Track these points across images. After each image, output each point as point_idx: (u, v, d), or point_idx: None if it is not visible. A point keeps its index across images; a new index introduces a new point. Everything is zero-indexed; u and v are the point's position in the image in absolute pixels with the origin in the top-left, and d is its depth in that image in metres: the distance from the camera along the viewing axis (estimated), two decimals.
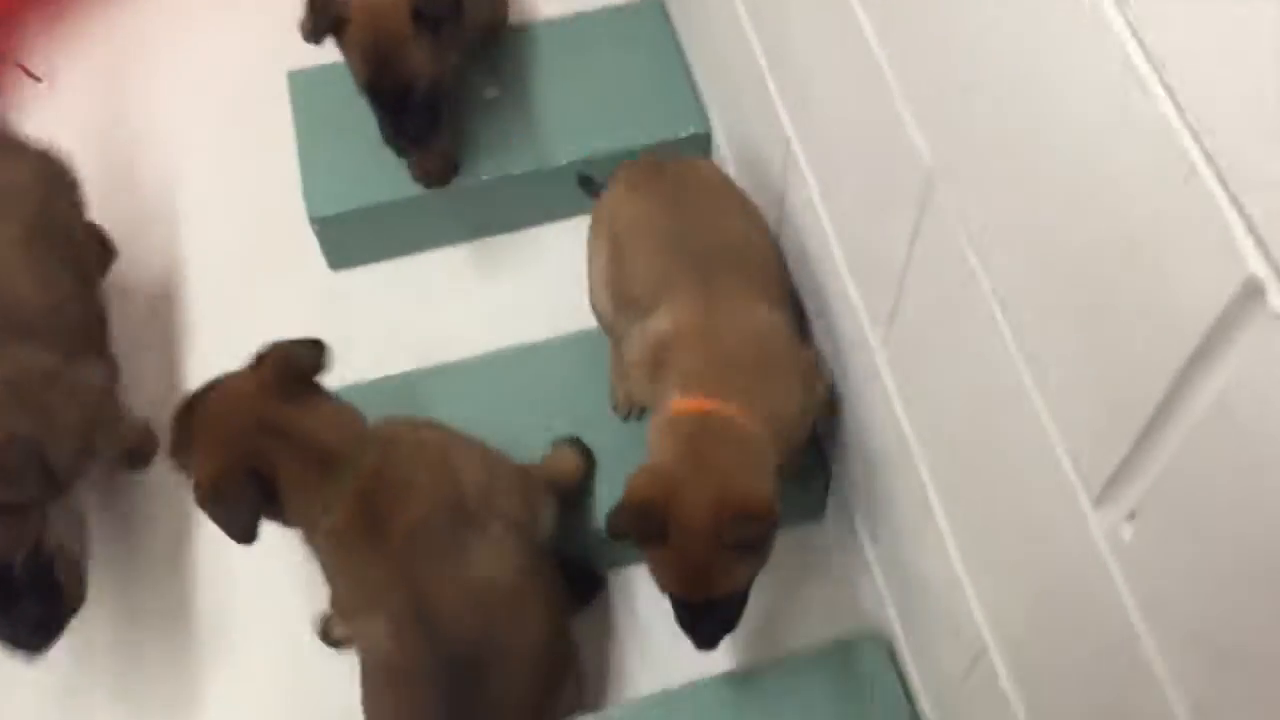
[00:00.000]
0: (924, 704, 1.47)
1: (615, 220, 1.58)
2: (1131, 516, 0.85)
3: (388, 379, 1.77)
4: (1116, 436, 0.84)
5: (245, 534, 1.33)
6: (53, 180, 1.67)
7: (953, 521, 1.23)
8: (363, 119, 1.92)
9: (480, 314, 1.94)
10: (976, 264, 1.02)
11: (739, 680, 1.53)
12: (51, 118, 2.16)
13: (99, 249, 1.87)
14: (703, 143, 1.97)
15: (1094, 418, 0.88)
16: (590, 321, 1.79)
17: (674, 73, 2.01)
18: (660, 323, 1.42)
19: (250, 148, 2.12)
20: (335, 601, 1.47)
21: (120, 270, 2.00)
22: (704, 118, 1.96)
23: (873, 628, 1.59)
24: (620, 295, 1.53)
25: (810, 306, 1.59)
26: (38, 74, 2.22)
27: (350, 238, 1.96)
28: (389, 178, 1.90)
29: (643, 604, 1.69)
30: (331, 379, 1.65)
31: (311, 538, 1.41)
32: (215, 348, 1.93)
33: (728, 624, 1.35)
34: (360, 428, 1.42)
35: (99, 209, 1.89)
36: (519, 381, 1.77)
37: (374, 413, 1.58)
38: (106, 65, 2.25)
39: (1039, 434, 0.96)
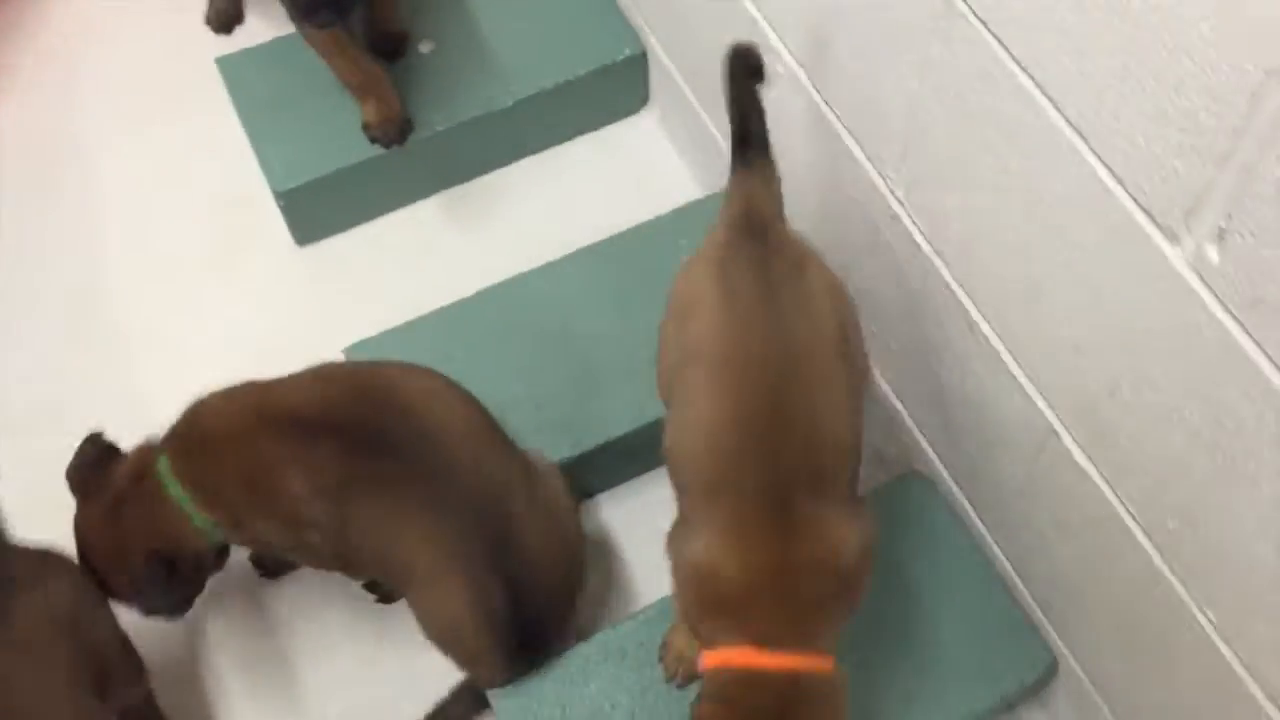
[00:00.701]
0: (981, 526, 1.55)
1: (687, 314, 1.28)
2: (1220, 235, 0.94)
3: (386, 333, 1.78)
4: (1193, 162, 0.93)
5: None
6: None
7: (1002, 329, 1.31)
8: (302, 93, 1.93)
9: (458, 263, 1.95)
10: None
11: None
12: None
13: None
14: (639, 64, 2.02)
15: (1164, 151, 0.96)
16: (571, 245, 1.84)
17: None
18: (708, 548, 1.17)
19: (183, 141, 2.09)
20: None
21: (83, 275, 1.97)
22: (636, 38, 2.02)
23: (910, 469, 1.67)
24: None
25: None
26: None
27: (315, 209, 1.95)
28: (344, 144, 1.90)
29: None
30: (326, 345, 1.70)
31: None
32: (188, 344, 1.92)
33: None
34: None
35: (42, 222, 1.87)
36: (514, 314, 1.79)
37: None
38: (25, 79, 2.19)
39: (1099, 189, 1.04)
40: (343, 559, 1.49)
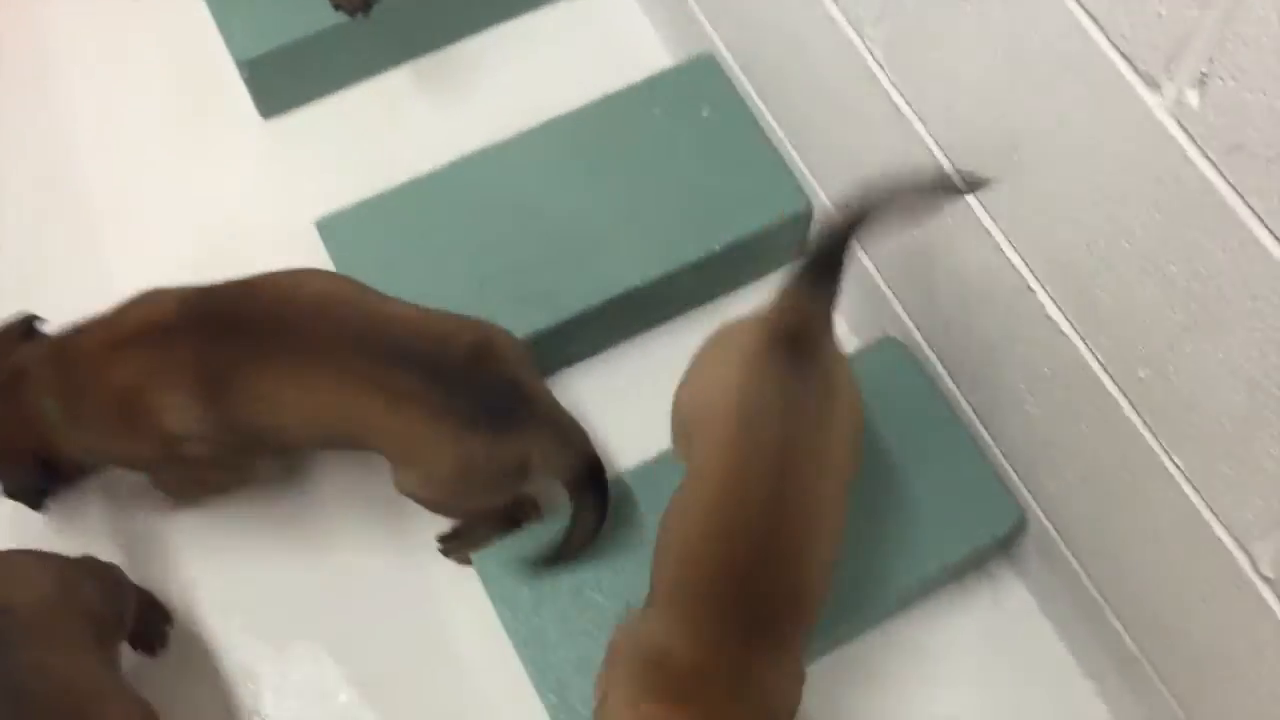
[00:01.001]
0: (954, 385, 1.58)
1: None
2: (1201, 81, 0.94)
3: (357, 206, 1.76)
4: (1175, 4, 0.93)
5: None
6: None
7: (988, 202, 1.31)
8: None
9: (427, 135, 1.92)
10: None
11: None
12: None
13: None
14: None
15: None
16: (543, 115, 1.82)
17: None
18: (666, 632, 1.20)
19: (143, 12, 2.03)
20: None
21: (45, 151, 1.93)
22: None
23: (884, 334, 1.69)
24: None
25: None
26: None
27: (280, 79, 1.91)
28: (308, 11, 1.85)
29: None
30: (295, 219, 1.68)
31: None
32: (155, 221, 1.89)
33: None
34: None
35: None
36: (486, 187, 1.78)
37: (354, 236, 1.65)
38: None
39: (1081, 39, 1.04)
40: (243, 453, 1.52)
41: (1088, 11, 1.03)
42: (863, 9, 1.38)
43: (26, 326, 1.52)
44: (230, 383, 1.39)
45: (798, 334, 1.23)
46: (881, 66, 1.40)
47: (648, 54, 1.99)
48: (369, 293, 1.45)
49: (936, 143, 1.35)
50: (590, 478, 1.44)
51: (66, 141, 1.95)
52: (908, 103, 1.38)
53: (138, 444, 1.45)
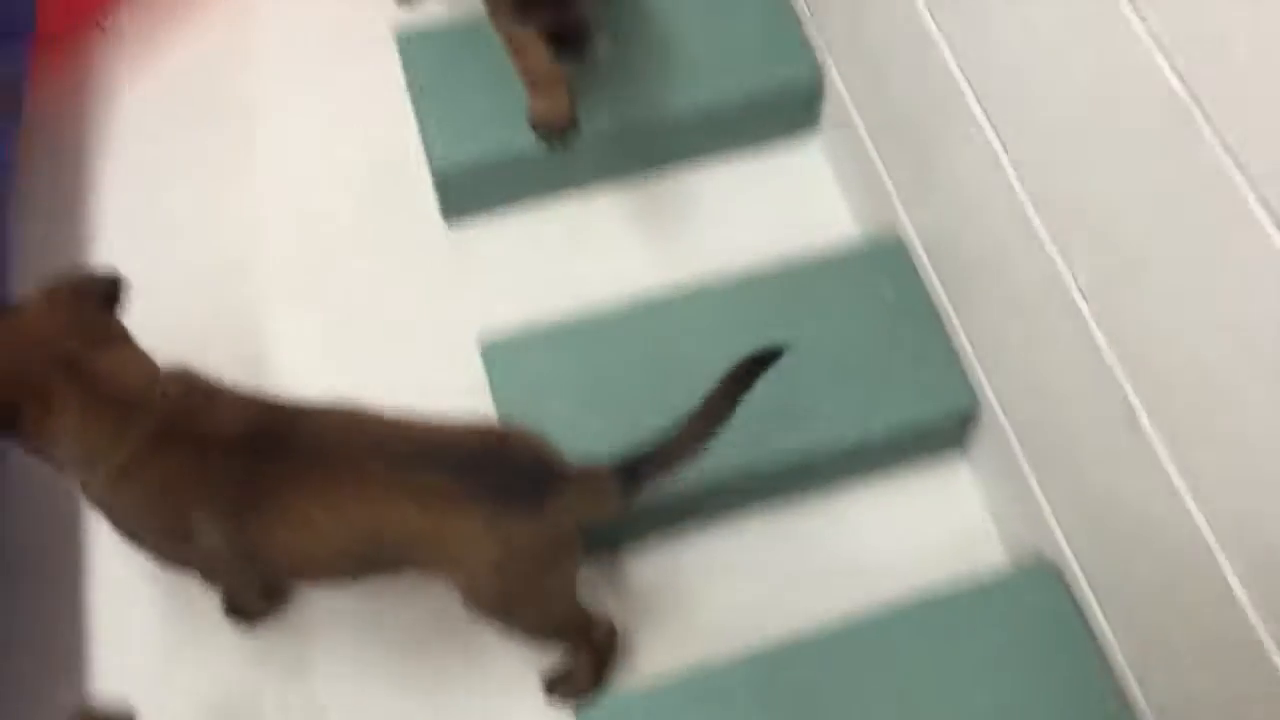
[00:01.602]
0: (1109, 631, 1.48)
1: None
2: None
3: (526, 331, 1.76)
4: None
5: None
6: None
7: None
8: (473, 75, 1.91)
9: (602, 265, 1.93)
10: None
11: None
12: (155, 80, 2.14)
13: None
14: (814, 87, 1.96)
15: None
16: (719, 263, 1.81)
17: (784, 14, 2.00)
18: None
19: (352, 106, 2.09)
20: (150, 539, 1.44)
21: (230, 224, 1.99)
22: (815, 62, 1.96)
23: (1038, 557, 1.61)
24: None
25: None
26: (117, 27, 2.18)
27: (468, 190, 1.94)
28: (506, 131, 1.88)
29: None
30: (458, 329, 1.71)
31: (90, 482, 1.36)
32: (324, 308, 1.93)
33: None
34: (155, 372, 1.38)
35: (200, 165, 1.90)
36: (649, 339, 1.75)
37: (515, 361, 1.68)
38: (208, 25, 2.20)
39: None
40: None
41: None
42: (1071, 236, 1.33)
43: (111, 289, 1.38)
44: (261, 506, 1.35)
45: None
46: (1084, 297, 1.34)
47: (833, 217, 1.97)
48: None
49: (1134, 389, 1.28)
50: (633, 476, 1.39)
51: (251, 211, 2.01)
52: (1111, 344, 1.31)
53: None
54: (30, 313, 1.34)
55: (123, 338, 1.38)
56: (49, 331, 1.32)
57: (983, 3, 1.41)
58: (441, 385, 1.74)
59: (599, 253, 1.95)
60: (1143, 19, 1.11)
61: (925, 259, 1.75)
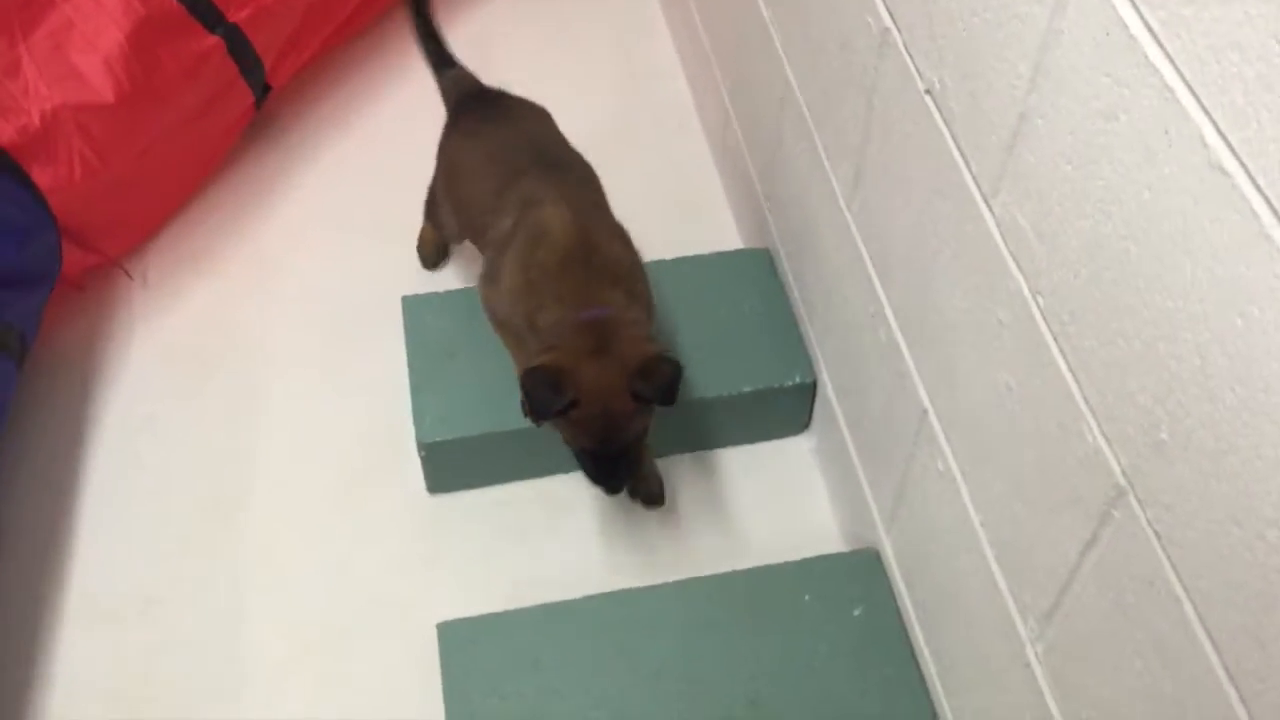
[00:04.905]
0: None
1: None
2: None
3: (483, 618, 1.73)
4: None
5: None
6: None
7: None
8: (472, 347, 1.95)
9: (576, 547, 1.92)
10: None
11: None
12: (157, 319, 2.21)
13: None
14: (808, 391, 1.98)
15: None
16: (699, 555, 1.79)
17: (782, 319, 2.04)
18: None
19: (351, 367, 2.14)
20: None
21: (213, 473, 2.01)
22: (810, 367, 1.98)
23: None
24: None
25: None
26: (143, 275, 2.26)
27: (453, 463, 1.95)
28: (496, 408, 1.90)
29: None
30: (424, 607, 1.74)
31: None
32: (296, 567, 1.92)
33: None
34: None
35: (195, 409, 1.97)
36: (614, 632, 1.71)
37: (470, 645, 1.65)
38: (219, 271, 2.29)
39: None
40: None
41: None
42: (1029, 597, 1.29)
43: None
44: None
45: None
46: (1040, 662, 1.29)
47: (817, 520, 1.96)
48: None
49: None
50: None
51: (238, 463, 2.03)
52: (1060, 714, 1.26)
53: None
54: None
55: None
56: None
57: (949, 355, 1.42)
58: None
59: (571, 533, 1.94)
60: (1080, 387, 1.11)
61: (900, 580, 1.71)
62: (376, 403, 2.06)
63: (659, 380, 1.59)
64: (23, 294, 1.92)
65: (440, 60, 2.07)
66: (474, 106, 1.97)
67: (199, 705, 1.77)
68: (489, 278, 1.79)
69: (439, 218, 2.08)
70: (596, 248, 1.70)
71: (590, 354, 1.60)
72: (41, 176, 1.95)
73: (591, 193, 1.85)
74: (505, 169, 1.83)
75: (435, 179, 2.05)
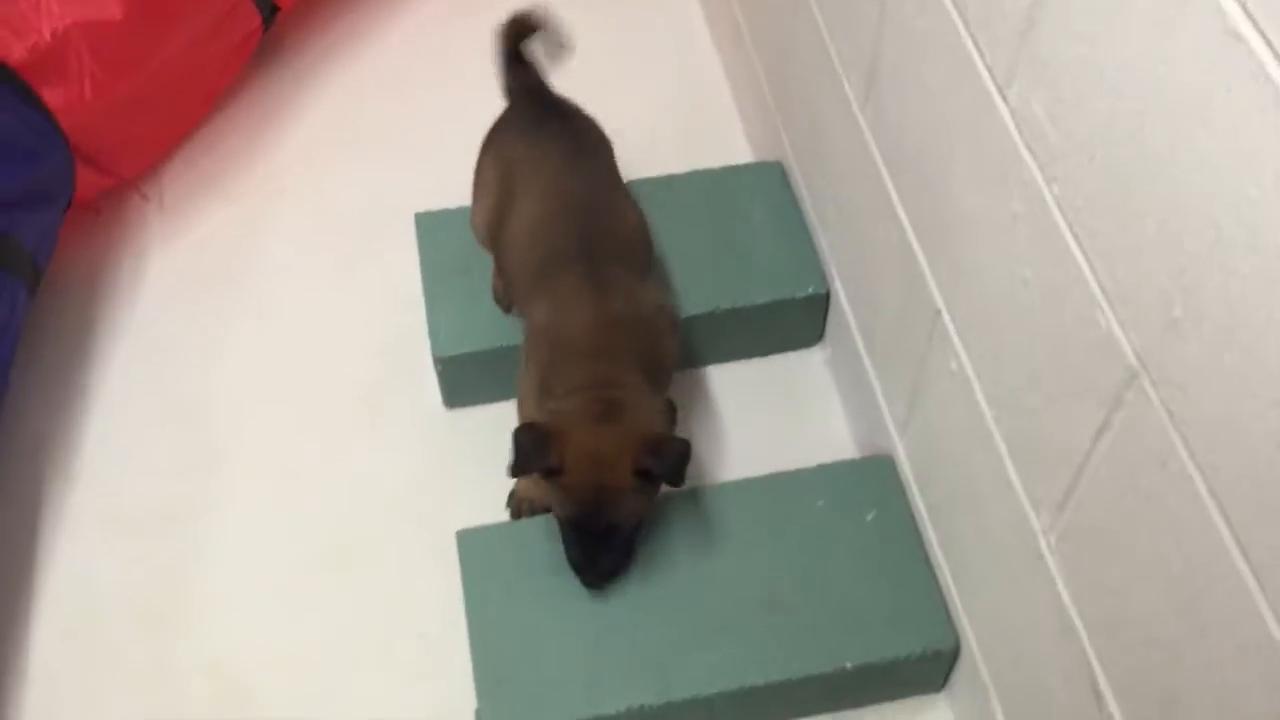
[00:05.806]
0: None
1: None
2: None
3: (504, 525, 1.76)
4: None
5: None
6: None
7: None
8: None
9: None
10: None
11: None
12: (172, 241, 2.21)
13: None
14: (822, 303, 1.98)
15: None
16: (716, 466, 1.79)
17: (794, 231, 2.03)
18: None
19: (364, 282, 2.15)
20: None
21: (228, 392, 2.03)
22: (823, 279, 1.97)
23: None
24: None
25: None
26: (158, 198, 2.27)
27: (469, 378, 1.96)
28: (510, 323, 1.91)
29: None
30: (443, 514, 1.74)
31: None
32: (313, 477, 1.94)
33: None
34: None
35: (204, 332, 1.98)
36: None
37: (488, 551, 1.62)
38: (233, 194, 2.30)
39: None
40: None
41: None
42: (1041, 490, 1.30)
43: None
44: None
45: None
46: (1052, 552, 1.30)
47: (832, 428, 1.97)
48: None
49: (1098, 658, 1.23)
50: None
51: (259, 391, 2.05)
52: (1072, 601, 1.27)
53: None
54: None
55: None
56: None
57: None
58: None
59: None
60: (1095, 273, 1.11)
61: (914, 486, 1.72)
62: (392, 320, 2.07)
63: (669, 457, 1.53)
64: (34, 213, 1.93)
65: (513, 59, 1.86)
66: (536, 119, 1.81)
67: (219, 614, 1.80)
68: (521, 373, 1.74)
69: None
70: (619, 350, 1.63)
71: (594, 421, 1.54)
72: (52, 96, 1.94)
73: (631, 273, 1.72)
74: (549, 249, 1.71)
75: (482, 192, 1.87)
